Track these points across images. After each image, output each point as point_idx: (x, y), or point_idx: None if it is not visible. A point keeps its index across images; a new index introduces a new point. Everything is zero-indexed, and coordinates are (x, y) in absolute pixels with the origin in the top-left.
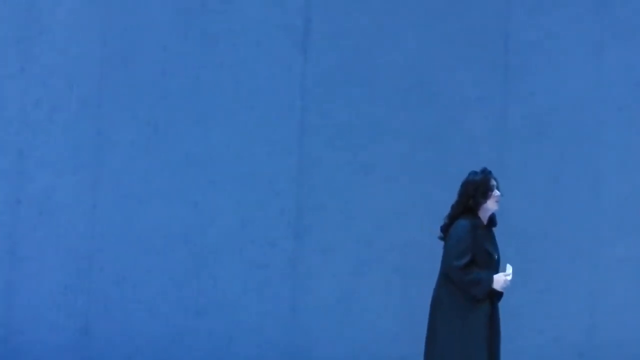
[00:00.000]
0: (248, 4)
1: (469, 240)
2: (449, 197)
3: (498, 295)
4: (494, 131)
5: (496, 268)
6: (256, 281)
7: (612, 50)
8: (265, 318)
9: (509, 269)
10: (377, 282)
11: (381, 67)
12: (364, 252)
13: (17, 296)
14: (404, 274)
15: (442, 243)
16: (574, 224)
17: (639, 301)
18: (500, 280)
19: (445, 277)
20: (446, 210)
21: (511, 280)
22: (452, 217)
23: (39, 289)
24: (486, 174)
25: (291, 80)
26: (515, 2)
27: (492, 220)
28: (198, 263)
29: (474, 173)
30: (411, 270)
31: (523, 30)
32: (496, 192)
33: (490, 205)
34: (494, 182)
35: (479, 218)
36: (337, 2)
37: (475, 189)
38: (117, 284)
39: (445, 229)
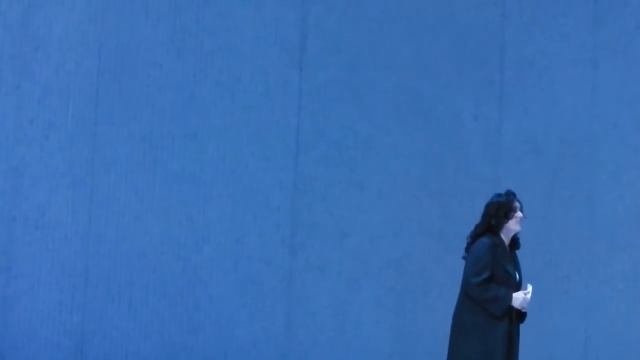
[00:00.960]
0: (243, 21)
1: (488, 258)
2: (444, 213)
3: (520, 315)
4: (489, 147)
5: (516, 290)
6: (251, 297)
7: (606, 67)
8: (260, 334)
9: (529, 287)
10: (371, 299)
11: (376, 84)
12: (359, 268)
13: (12, 313)
14: (398, 290)
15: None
16: (568, 241)
17: (633, 318)
18: (519, 298)
19: (465, 295)
20: (441, 225)
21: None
22: (475, 237)
23: (33, 306)
24: (509, 195)
25: (287, 97)
26: (510, 18)
27: (515, 242)
28: (193, 279)
29: (498, 195)
30: (406, 287)
31: (518, 46)
32: (519, 214)
33: (512, 226)
34: (517, 204)
35: (501, 238)
36: (333, 19)
37: (498, 208)
38: (112, 301)
39: (467, 248)
